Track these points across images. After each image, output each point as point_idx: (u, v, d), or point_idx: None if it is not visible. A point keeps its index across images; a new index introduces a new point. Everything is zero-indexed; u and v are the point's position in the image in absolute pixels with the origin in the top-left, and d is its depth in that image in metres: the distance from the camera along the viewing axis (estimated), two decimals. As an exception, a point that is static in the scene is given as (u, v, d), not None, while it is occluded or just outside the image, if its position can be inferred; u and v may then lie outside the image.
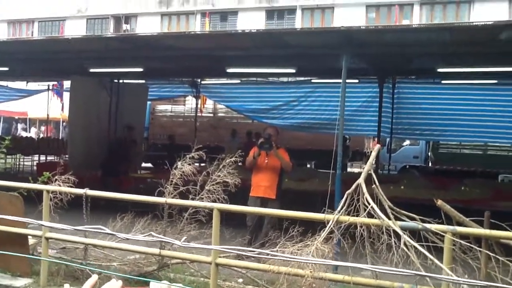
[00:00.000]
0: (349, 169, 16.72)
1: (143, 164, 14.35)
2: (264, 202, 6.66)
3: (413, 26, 6.82)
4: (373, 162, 4.73)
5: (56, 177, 5.20)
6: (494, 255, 3.88)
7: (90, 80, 11.84)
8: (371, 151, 18.45)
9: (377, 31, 6.48)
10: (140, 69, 10.69)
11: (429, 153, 15.93)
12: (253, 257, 5.19)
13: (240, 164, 6.02)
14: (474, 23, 5.64)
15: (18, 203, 5.26)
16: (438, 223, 4.00)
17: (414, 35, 6.56)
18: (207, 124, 17.86)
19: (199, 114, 16.45)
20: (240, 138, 14.60)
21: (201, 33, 8.50)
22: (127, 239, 4.36)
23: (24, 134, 24.09)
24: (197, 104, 15.86)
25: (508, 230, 3.93)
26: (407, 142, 16.66)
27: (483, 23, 5.57)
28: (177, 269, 5.51)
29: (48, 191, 5.05)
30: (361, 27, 7.34)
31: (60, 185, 5.12)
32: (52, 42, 8.57)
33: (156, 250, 4.81)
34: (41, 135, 23.62)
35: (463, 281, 3.59)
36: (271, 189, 6.76)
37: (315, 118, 13.81)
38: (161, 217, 5.24)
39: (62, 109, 18.90)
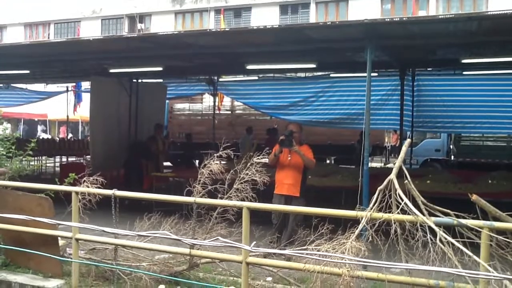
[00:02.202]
0: (369, 164, 16.54)
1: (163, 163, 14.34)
2: (288, 200, 6.58)
3: (439, 16, 6.67)
4: (404, 157, 4.65)
5: (85, 178, 5.19)
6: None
7: (109, 80, 11.92)
8: (391, 145, 18.35)
9: (402, 23, 6.35)
10: (160, 68, 10.71)
11: (451, 146, 15.68)
12: (283, 255, 5.14)
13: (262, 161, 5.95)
14: (504, 12, 5.49)
15: (47, 205, 5.29)
16: (471, 218, 3.90)
17: (440, 26, 6.42)
18: (225, 122, 17.83)
19: (216, 111, 16.44)
20: (254, 134, 14.59)
21: (222, 31, 8.44)
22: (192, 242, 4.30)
23: (43, 136, 24.35)
24: (214, 102, 15.84)
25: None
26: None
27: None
28: (206, 268, 5.49)
29: (77, 193, 5.06)
30: (386, 19, 7.20)
31: (88, 187, 5.12)
32: (74, 43, 8.60)
33: (186, 250, 4.78)
34: (61, 136, 23.89)
35: (504, 277, 3.48)
36: (295, 187, 6.67)
37: (334, 113, 13.71)
38: (190, 216, 5.21)
39: (75, 110, 19.04)
